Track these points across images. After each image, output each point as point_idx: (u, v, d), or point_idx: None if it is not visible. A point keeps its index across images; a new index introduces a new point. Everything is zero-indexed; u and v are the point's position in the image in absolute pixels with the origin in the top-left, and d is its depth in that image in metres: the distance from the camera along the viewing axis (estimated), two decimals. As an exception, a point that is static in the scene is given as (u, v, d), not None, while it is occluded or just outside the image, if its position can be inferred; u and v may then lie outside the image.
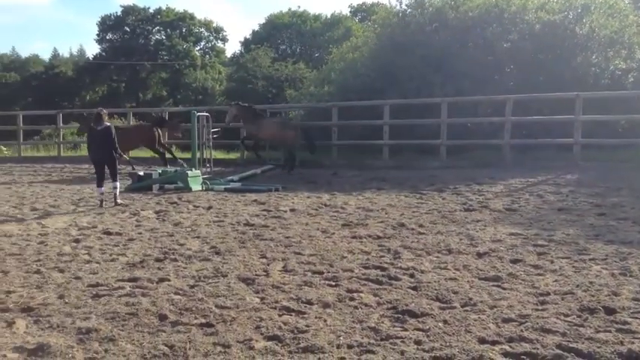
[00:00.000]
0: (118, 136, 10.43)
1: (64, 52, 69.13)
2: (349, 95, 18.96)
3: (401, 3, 21.88)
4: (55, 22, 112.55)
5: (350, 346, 3.97)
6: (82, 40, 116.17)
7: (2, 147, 24.56)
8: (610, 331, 4.04)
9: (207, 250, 6.84)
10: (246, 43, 53.83)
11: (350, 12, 56.65)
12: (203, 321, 4.52)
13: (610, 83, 17.02)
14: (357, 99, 18.17)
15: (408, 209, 9.43)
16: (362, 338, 4.10)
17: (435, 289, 5.14)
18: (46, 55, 69.58)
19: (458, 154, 15.82)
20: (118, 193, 10.58)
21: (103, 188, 10.42)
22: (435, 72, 18.35)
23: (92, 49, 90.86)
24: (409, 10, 21.37)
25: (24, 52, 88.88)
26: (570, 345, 3.79)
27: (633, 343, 3.81)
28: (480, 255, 6.33)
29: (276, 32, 53.67)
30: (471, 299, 4.87)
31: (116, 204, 10.37)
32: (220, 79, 56.15)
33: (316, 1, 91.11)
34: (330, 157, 17.22)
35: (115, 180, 10.56)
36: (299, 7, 60.88)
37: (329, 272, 5.83)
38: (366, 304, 4.83)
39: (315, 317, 4.57)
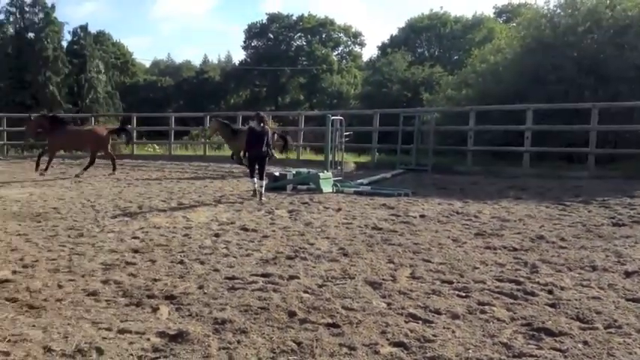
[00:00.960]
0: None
1: (213, 59, 73.99)
2: (488, 99, 18.28)
3: (549, 3, 20.74)
4: (207, 30, 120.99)
5: (479, 360, 3.80)
6: (230, 47, 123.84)
7: (155, 145, 26.85)
8: None
9: (336, 251, 6.93)
10: (383, 47, 53.95)
11: (494, 13, 54.63)
12: (330, 321, 4.58)
13: None
14: (497, 103, 17.45)
15: (549, 221, 8.86)
16: (492, 353, 3.91)
17: (576, 308, 4.76)
18: (197, 61, 74.97)
19: (608, 164, 14.58)
20: (263, 191, 11.45)
21: (255, 179, 11.52)
22: (586, 75, 17.11)
23: (238, 56, 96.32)
24: (558, 10, 20.16)
25: (178, 59, 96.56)
26: None
27: None
28: (628, 274, 5.77)
29: (414, 35, 53.24)
30: (615, 321, 4.45)
31: (260, 200, 11.16)
32: (355, 83, 56.88)
33: (458, 2, 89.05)
34: (464, 163, 16.71)
35: (261, 178, 11.47)
36: (441, 7, 59.80)
37: (459, 282, 5.64)
38: (498, 319, 4.60)
39: (443, 327, 4.43)
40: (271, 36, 62.41)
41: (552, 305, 4.87)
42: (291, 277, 5.81)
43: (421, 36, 53.63)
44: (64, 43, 40.22)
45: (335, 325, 4.49)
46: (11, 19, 38.56)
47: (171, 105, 55.48)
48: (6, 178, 15.30)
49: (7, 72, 35.37)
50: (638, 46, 17.30)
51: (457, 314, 4.71)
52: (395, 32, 56.71)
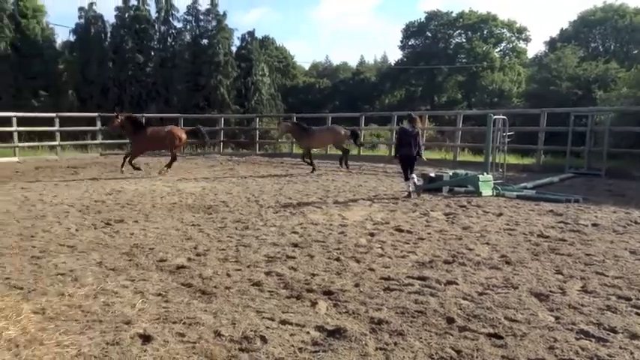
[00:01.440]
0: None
1: (370, 59, 74.88)
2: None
3: None
4: (364, 32, 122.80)
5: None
6: (386, 47, 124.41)
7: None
8: None
9: (497, 259, 6.59)
10: (551, 43, 50.59)
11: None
12: (491, 331, 4.36)
13: None
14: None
15: None
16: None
17: None
18: (353, 62, 76.40)
19: None
20: (412, 188, 11.80)
21: (409, 182, 11.85)
22: None
23: (394, 56, 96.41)
24: None
25: (335, 60, 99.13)
26: None
27: None
28: None
29: (586, 29, 49.23)
30: None
31: (409, 195, 11.59)
32: (519, 80, 54.02)
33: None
34: (644, 168, 15.07)
35: (408, 179, 11.85)
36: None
37: (638, 299, 5.07)
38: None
39: (620, 347, 4.01)
40: (429, 34, 61.59)
41: None
42: (449, 283, 5.63)
43: (594, 30, 49.42)
44: (234, 49, 43.18)
45: (497, 336, 4.27)
46: (188, 27, 42.27)
47: (328, 105, 57.10)
48: (182, 173, 16.81)
49: (185, 76, 38.83)
50: None
51: (636, 334, 4.23)
52: (565, 26, 52.93)
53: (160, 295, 5.19)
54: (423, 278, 5.77)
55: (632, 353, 3.91)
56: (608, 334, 4.27)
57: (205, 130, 17.75)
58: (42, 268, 6.03)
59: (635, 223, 8.83)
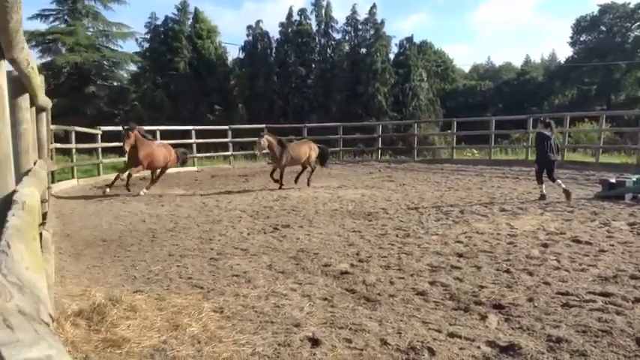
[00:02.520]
0: None
1: (536, 58, 70.71)
2: None
3: None
4: (529, 30, 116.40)
5: None
6: (555, 44, 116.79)
7: (474, 150, 26.82)
8: None
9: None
10: None
11: None
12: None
13: None
14: None
15: None
16: None
17: None
18: (518, 62, 72.69)
19: None
20: (563, 186, 11.75)
21: (543, 185, 11.99)
22: None
23: (564, 53, 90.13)
24: None
25: (497, 61, 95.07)
26: None
27: None
28: None
29: None
30: None
31: (543, 197, 11.76)
32: None
33: None
34: None
35: (553, 181, 11.84)
36: None
37: None
38: None
39: None
40: (603, 28, 56.56)
41: None
42: (637, 300, 5.03)
43: None
44: (391, 56, 43.38)
45: None
46: (347, 38, 43.36)
47: (490, 109, 54.91)
48: (342, 180, 17.17)
49: (343, 85, 39.86)
50: None
51: None
52: None
53: (325, 299, 5.28)
54: (606, 294, 5.22)
55: None
56: None
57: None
58: (219, 269, 6.48)
59: None
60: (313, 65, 42.35)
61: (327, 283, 5.84)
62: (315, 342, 4.21)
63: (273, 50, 42.37)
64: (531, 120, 21.97)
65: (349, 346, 4.14)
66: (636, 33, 55.58)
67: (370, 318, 4.75)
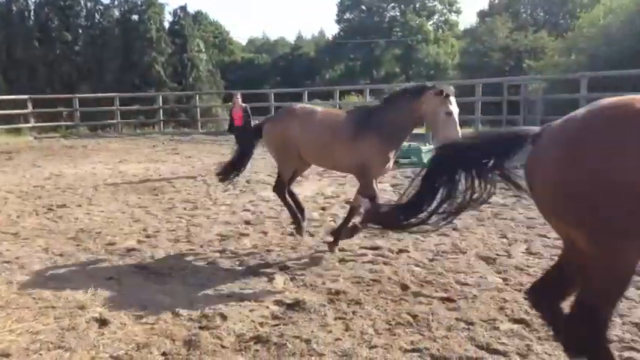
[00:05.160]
0: None
1: (307, 34, 74.51)
2: (600, 64, 17.04)
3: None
4: (301, 5, 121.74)
5: (609, 341, 3.60)
6: (323, 22, 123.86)
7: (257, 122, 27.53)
8: None
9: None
10: (482, 14, 51.72)
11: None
12: (444, 295, 4.53)
13: None
14: (609, 68, 16.23)
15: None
16: (623, 334, 3.75)
17: None
18: (291, 38, 75.77)
19: None
20: None
21: None
22: None
23: (332, 30, 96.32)
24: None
25: (273, 35, 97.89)
26: None
27: None
28: None
29: (515, 1, 50.55)
30: None
31: None
32: (453, 52, 55.10)
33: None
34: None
35: None
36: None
37: (579, 258, 5.36)
38: (627, 298, 4.33)
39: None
40: (364, 7, 61.60)
41: (688, 285, 4.51)
42: (401, 251, 5.79)
43: (523, 0, 50.80)
44: (166, 24, 41.89)
45: (450, 300, 4.44)
46: (116, 2, 40.63)
47: (269, 82, 56.58)
48: (122, 155, 16.33)
49: (116, 53, 37.42)
50: None
51: (580, 292, 4.48)
52: (495, -2, 54.07)
53: (112, 278, 5.08)
54: (375, 248, 5.90)
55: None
56: (553, 292, 4.51)
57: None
58: (-16, 258, 5.78)
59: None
60: (80, 31, 38.96)
61: (112, 262, 5.60)
62: (102, 322, 4.06)
63: (32, 12, 37.95)
64: (306, 93, 23.26)
65: (140, 322, 4.08)
66: (391, 13, 61.67)
67: (161, 292, 4.72)
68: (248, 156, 6.42)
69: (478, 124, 18.63)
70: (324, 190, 9.57)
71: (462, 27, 62.43)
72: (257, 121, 7.18)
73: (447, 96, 5.13)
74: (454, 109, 5.12)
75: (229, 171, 6.45)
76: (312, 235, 6.49)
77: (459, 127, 5.11)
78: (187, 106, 29.97)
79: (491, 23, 42.72)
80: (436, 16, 63.71)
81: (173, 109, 30.66)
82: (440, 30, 62.05)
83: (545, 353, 3.47)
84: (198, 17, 56.17)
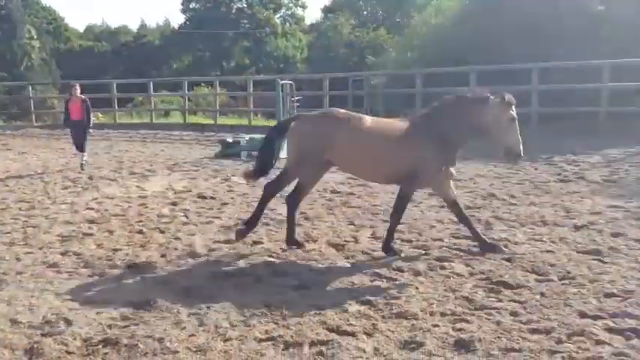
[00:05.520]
0: None
1: (151, 23, 71.56)
2: (433, 61, 18.44)
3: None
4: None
5: (443, 314, 3.98)
6: (167, 11, 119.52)
7: (99, 114, 25.93)
8: None
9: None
10: (326, 10, 53.42)
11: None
12: (297, 283, 4.67)
13: None
14: (441, 65, 17.65)
15: (498, 179, 9.17)
16: (455, 307, 4.10)
17: (531, 262, 5.02)
18: (134, 26, 72.29)
19: (551, 123, 15.09)
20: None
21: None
22: (526, 37, 17.49)
23: (178, 19, 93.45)
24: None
25: (113, 23, 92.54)
26: (681, 323, 3.61)
27: None
28: (577, 228, 6.09)
29: (357, -2, 52.87)
30: (569, 272, 4.72)
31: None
32: (301, 46, 56.29)
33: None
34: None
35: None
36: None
37: (418, 241, 5.83)
38: (458, 274, 4.80)
39: (407, 285, 4.59)
40: (210, -2, 60.50)
41: (508, 260, 5.11)
42: (255, 243, 5.85)
43: (363, -1, 53.29)
44: (-9, 8, 37.86)
45: (304, 287, 4.58)
46: None
47: (110, 71, 53.46)
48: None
49: None
50: (571, 8, 17.67)
51: (419, 271, 4.88)
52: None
53: None
54: (229, 242, 5.89)
55: (417, 288, 4.50)
56: (397, 274, 4.86)
57: None
58: None
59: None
60: None
61: None
62: None
63: None
64: (152, 84, 22.39)
65: (-28, 336, 3.71)
66: (238, 5, 61.32)
67: (-4, 300, 4.32)
68: (271, 156, 5.80)
69: (326, 117, 19.27)
70: (175, 184, 9.32)
71: (308, 22, 63.95)
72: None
73: (510, 103, 5.11)
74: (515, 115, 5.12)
75: (258, 176, 5.94)
76: (162, 232, 6.31)
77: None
78: (19, 98, 27.33)
79: (334, 19, 44.29)
80: (283, 10, 64.50)
81: (3, 101, 27.88)
82: (287, 24, 62.94)
83: (389, 330, 3.72)
84: (29, 1, 51.38)
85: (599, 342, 3.45)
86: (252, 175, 5.93)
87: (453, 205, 5.51)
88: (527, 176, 9.30)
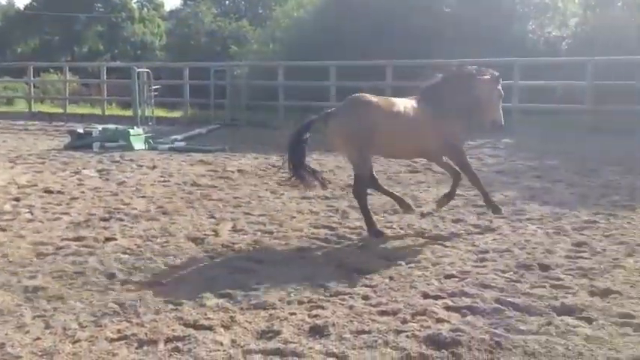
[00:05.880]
0: None
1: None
2: (295, 54, 18.73)
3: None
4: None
5: (300, 302, 4.09)
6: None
7: None
8: (544, 287, 4.31)
9: (154, 210, 6.78)
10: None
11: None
12: (153, 280, 4.54)
13: (545, 50, 17.50)
14: (302, 59, 17.97)
15: (355, 171, 9.56)
16: (312, 295, 4.23)
17: (382, 248, 5.32)
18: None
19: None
20: None
21: None
22: (379, 34, 18.37)
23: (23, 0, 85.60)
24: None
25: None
26: (508, 299, 4.04)
27: (566, 297, 4.09)
28: (423, 215, 6.55)
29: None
30: (415, 257, 5.08)
31: None
32: (160, 33, 54.26)
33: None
34: (277, 118, 17.09)
35: None
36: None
37: (279, 232, 5.92)
38: (315, 262, 4.96)
39: (266, 275, 4.66)
40: (59, -23, 56.23)
41: (362, 247, 5.38)
42: (108, 239, 5.59)
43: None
44: None
45: (159, 284, 4.47)
46: None
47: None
48: None
49: None
50: (419, 8, 18.86)
51: (278, 261, 4.98)
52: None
53: None
54: (79, 239, 5.58)
55: (275, 279, 4.57)
56: (257, 265, 4.91)
57: None
58: None
59: (274, 166, 10.02)
60: None
61: None
62: None
63: None
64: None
65: None
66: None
67: None
68: (300, 158, 5.87)
69: (187, 108, 18.84)
70: (19, 178, 8.59)
71: (167, 8, 61.82)
72: None
73: (499, 78, 5.61)
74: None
75: (300, 179, 5.91)
76: (4, 230, 5.80)
77: None
78: None
79: (195, 7, 43.26)
80: (141, -6, 61.66)
81: None
82: (145, 9, 60.29)
83: (247, 321, 3.75)
84: None
85: (439, 320, 3.75)
86: (302, 183, 6.00)
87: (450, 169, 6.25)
88: (382, 167, 9.78)
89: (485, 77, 5.83)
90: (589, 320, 3.70)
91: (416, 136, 5.81)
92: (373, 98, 5.79)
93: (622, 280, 4.41)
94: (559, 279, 4.46)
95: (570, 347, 3.31)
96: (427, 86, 6.02)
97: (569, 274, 4.56)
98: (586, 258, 4.95)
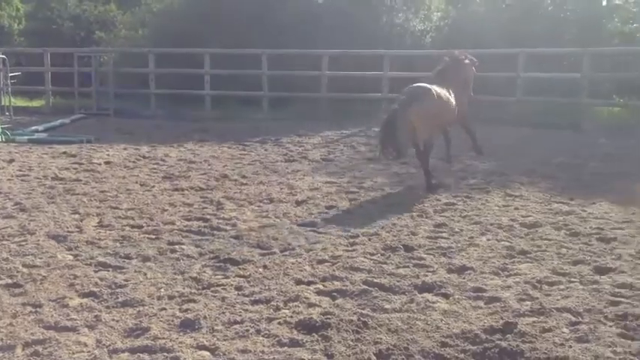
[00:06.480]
0: None
1: None
2: (167, 41, 18.06)
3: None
4: None
5: (171, 297, 4.01)
6: None
7: None
8: (408, 267, 4.58)
9: (11, 207, 6.28)
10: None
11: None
12: (10, 281, 4.25)
13: (412, 42, 18.37)
14: (175, 45, 17.40)
15: (231, 160, 9.48)
16: (183, 289, 4.16)
17: (257, 237, 5.34)
18: None
19: (280, 107, 16.10)
20: None
21: None
22: (255, 23, 18.27)
23: None
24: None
25: None
26: (375, 280, 4.24)
27: (427, 275, 4.37)
28: (298, 203, 6.65)
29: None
30: (289, 244, 5.16)
31: None
32: (19, 16, 50.03)
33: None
34: (148, 107, 16.46)
35: None
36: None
37: (149, 226, 5.73)
38: (187, 256, 4.87)
39: (135, 271, 4.51)
40: None
41: (236, 237, 5.37)
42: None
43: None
44: None
45: (16, 285, 4.18)
46: None
47: None
48: None
49: None
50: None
51: (148, 257, 4.83)
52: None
53: None
54: None
55: (145, 274, 4.43)
56: (124, 261, 4.72)
57: None
58: None
59: (144, 157, 9.66)
60: None
61: None
62: None
63: None
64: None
65: None
66: None
67: None
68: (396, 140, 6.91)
69: (49, 96, 17.60)
70: None
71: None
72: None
73: (475, 62, 8.08)
74: None
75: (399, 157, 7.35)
76: None
77: None
78: None
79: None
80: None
81: None
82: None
83: (113, 320, 3.61)
84: None
85: (310, 305, 3.86)
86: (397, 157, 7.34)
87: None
88: (258, 157, 9.80)
89: (467, 61, 7.98)
90: (446, 296, 3.99)
91: (453, 111, 7.58)
92: (432, 87, 7.26)
93: (476, 257, 4.80)
94: (421, 258, 4.75)
95: (429, 322, 3.55)
96: (439, 70, 7.79)
97: (430, 254, 4.88)
98: (445, 238, 5.32)
